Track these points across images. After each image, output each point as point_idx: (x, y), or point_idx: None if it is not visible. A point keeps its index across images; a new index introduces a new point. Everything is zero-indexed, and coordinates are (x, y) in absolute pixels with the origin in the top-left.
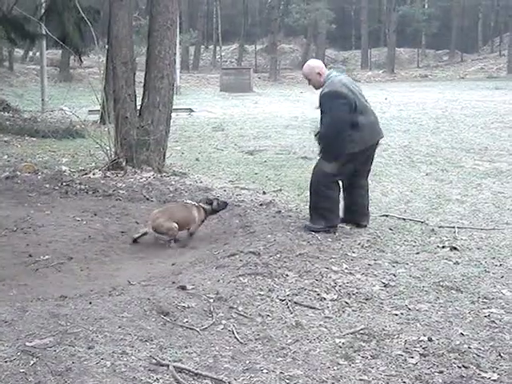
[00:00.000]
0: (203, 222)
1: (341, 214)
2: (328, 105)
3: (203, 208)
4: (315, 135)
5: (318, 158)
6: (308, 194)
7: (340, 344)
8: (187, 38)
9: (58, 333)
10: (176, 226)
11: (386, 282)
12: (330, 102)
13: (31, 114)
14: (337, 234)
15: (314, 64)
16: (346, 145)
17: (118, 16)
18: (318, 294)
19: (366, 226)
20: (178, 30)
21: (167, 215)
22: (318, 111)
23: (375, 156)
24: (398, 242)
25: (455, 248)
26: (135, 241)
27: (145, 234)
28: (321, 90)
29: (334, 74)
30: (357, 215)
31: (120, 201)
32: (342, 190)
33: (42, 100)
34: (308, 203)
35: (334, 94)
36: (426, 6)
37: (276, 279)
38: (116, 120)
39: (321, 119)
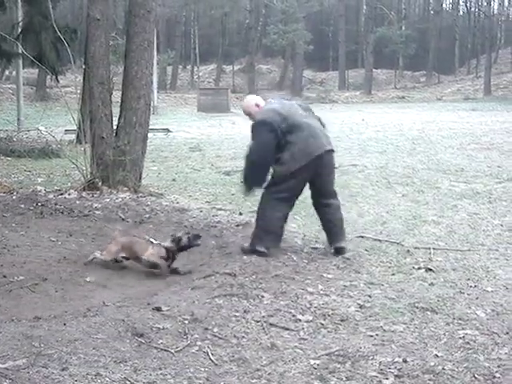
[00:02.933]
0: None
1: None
2: (254, 133)
3: (165, 247)
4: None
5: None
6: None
7: (315, 365)
8: (165, 58)
9: (31, 354)
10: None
11: (362, 304)
12: (255, 131)
13: (7, 134)
14: (312, 255)
15: (251, 98)
16: (266, 174)
17: (95, 36)
18: (294, 316)
19: (343, 249)
20: (155, 50)
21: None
22: None
23: (352, 178)
24: (374, 263)
25: (430, 269)
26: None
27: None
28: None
29: (270, 103)
30: (330, 235)
31: (96, 221)
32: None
33: (18, 119)
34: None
35: (259, 123)
36: (403, 28)
37: (251, 300)
38: (92, 140)
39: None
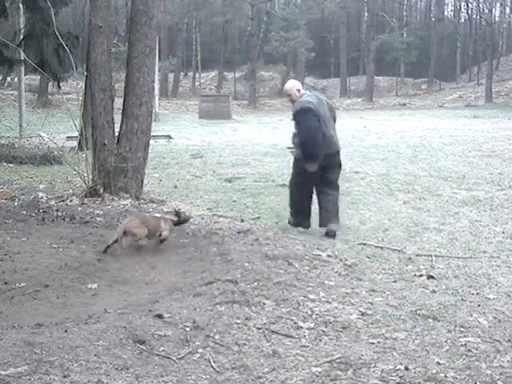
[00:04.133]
0: (171, 231)
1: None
2: (299, 119)
3: (170, 219)
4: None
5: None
6: (286, 220)
7: (317, 373)
8: (166, 64)
9: (33, 361)
10: (146, 231)
11: (363, 311)
12: (301, 117)
13: (9, 140)
14: (314, 262)
15: (294, 83)
16: (321, 147)
17: (96, 42)
18: (295, 323)
19: (334, 233)
20: (157, 57)
21: (140, 221)
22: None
23: (354, 185)
24: (376, 271)
25: (432, 276)
26: (106, 251)
27: (115, 241)
28: (294, 105)
29: (307, 93)
30: (324, 218)
31: (97, 228)
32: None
33: (20, 126)
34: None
35: (302, 109)
36: (405, 35)
37: (253, 307)
38: (94, 147)
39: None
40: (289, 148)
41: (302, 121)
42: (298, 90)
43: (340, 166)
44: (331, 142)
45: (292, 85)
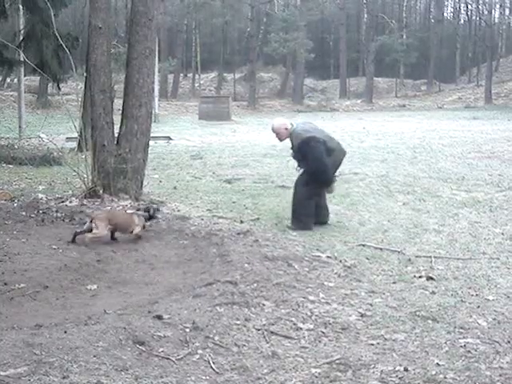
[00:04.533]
0: (144, 227)
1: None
2: (310, 148)
3: (142, 215)
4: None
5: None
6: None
7: (316, 374)
8: (166, 66)
9: (32, 362)
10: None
11: (363, 312)
12: (312, 146)
13: (8, 141)
14: (314, 263)
15: (281, 122)
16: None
17: (96, 44)
18: (295, 324)
19: (327, 221)
20: (156, 58)
21: (106, 215)
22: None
23: (353, 186)
24: (375, 272)
25: (432, 278)
26: (74, 240)
27: (84, 230)
28: (290, 139)
29: (296, 125)
30: (320, 215)
31: None
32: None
33: (20, 127)
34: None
35: (312, 139)
36: (405, 37)
37: (252, 309)
38: (93, 148)
39: (302, 161)
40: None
41: (308, 151)
42: (286, 129)
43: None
44: (340, 151)
45: (279, 124)
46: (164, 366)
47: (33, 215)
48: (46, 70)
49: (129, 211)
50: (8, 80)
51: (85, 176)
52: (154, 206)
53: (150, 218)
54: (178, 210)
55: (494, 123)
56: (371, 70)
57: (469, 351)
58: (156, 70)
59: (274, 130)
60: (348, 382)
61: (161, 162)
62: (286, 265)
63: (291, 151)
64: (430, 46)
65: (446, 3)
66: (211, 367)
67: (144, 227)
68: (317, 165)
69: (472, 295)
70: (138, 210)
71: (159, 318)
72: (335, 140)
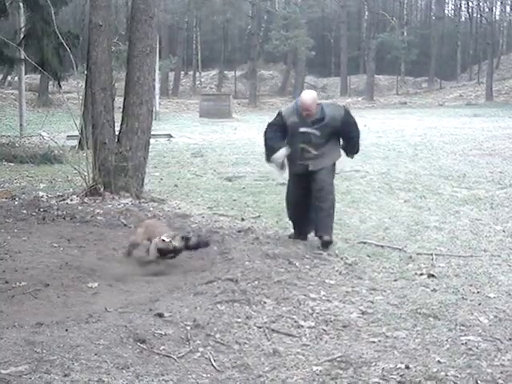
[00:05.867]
0: (173, 252)
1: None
2: (351, 119)
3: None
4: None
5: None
6: (287, 219)
7: (317, 372)
8: (167, 63)
9: (33, 360)
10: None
11: (364, 310)
12: (350, 116)
13: (9, 139)
14: (315, 260)
15: (314, 95)
16: None
17: (97, 41)
18: (296, 322)
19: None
20: (157, 55)
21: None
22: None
23: (354, 184)
24: (376, 269)
25: (433, 275)
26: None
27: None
28: (324, 114)
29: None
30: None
31: (97, 227)
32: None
33: (21, 125)
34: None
35: (350, 112)
36: (405, 34)
37: (254, 306)
38: (94, 146)
39: (348, 134)
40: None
41: (352, 121)
42: (318, 104)
43: None
44: None
45: (312, 98)
46: (165, 364)
47: (34, 213)
48: (47, 68)
49: (172, 231)
50: (9, 78)
51: (86, 174)
52: (203, 237)
53: (188, 247)
54: (179, 208)
55: (495, 120)
56: (372, 68)
57: (470, 349)
58: (157, 67)
59: (306, 108)
60: (349, 380)
61: (162, 159)
62: (286, 262)
63: (318, 134)
64: (431, 43)
65: (446, 0)
66: (212, 365)
67: (173, 252)
68: (359, 135)
69: (473, 292)
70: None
71: (160, 315)
72: None
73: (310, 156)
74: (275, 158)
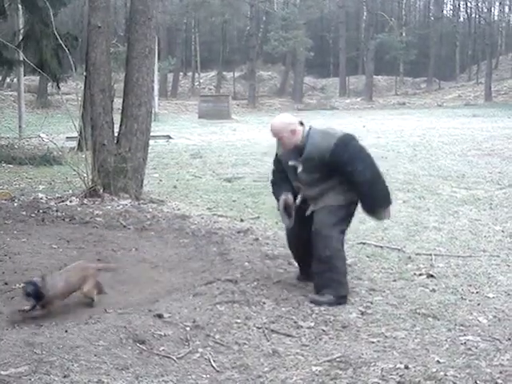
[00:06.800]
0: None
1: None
2: (352, 150)
3: None
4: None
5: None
6: None
7: (317, 372)
8: (166, 64)
9: (33, 361)
10: None
11: (363, 310)
12: (353, 147)
13: (8, 141)
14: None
15: (287, 119)
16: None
17: (95, 43)
18: (295, 322)
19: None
20: (156, 57)
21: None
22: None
23: None
24: (375, 270)
25: (432, 275)
26: None
27: None
28: (305, 143)
29: (310, 127)
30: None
31: (97, 228)
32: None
33: (20, 127)
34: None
35: (349, 137)
36: (404, 34)
37: (253, 307)
38: (93, 147)
39: (347, 176)
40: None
41: (351, 157)
42: (293, 131)
43: None
44: None
45: (281, 123)
46: (164, 365)
47: (33, 215)
48: (46, 70)
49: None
50: (8, 80)
51: (85, 175)
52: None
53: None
54: (178, 209)
55: (494, 121)
56: (371, 68)
57: (469, 349)
58: (156, 68)
59: (274, 133)
60: (349, 380)
61: (161, 160)
62: (286, 263)
63: (301, 169)
64: (430, 43)
65: (445, 1)
66: (212, 365)
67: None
68: (373, 175)
69: (472, 293)
70: None
71: (160, 316)
72: None
73: (307, 196)
74: (279, 209)
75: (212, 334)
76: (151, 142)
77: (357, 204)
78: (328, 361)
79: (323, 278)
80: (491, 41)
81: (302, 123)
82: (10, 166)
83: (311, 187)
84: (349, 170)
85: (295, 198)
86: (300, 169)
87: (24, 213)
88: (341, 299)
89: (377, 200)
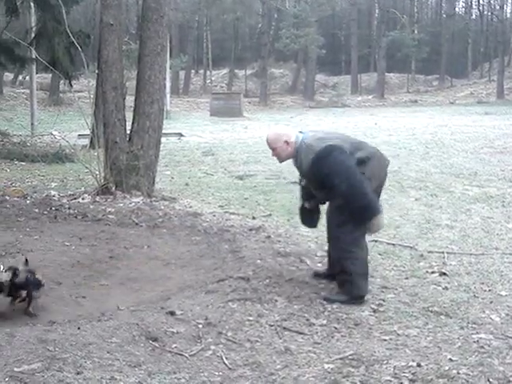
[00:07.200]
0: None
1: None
2: (328, 166)
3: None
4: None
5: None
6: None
7: (329, 370)
8: (177, 62)
9: (46, 358)
10: None
11: (375, 308)
12: (327, 162)
13: (21, 138)
14: (326, 259)
15: (280, 131)
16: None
17: (108, 40)
18: (307, 320)
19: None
20: (168, 54)
21: None
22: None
23: None
24: (388, 268)
25: (444, 273)
26: None
27: None
28: (297, 159)
29: (304, 134)
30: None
31: (109, 226)
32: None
33: (32, 124)
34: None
35: (325, 151)
36: (416, 32)
37: (265, 304)
38: (106, 145)
39: (320, 189)
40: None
41: (330, 170)
42: (287, 142)
43: None
44: (378, 162)
45: (275, 134)
46: (177, 362)
47: (45, 212)
48: (58, 68)
49: None
50: (20, 77)
51: (97, 173)
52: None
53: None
54: (190, 207)
55: (507, 118)
56: (383, 66)
57: (482, 346)
58: (167, 66)
59: (269, 145)
60: (361, 378)
61: (172, 158)
62: (298, 261)
63: (300, 178)
64: (442, 41)
65: None
66: (224, 363)
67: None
68: (349, 188)
69: (485, 290)
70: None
71: (172, 314)
72: (368, 145)
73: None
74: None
75: (224, 331)
76: (163, 139)
77: None
78: (340, 358)
79: (338, 278)
80: (503, 38)
81: (297, 135)
82: (23, 163)
83: (318, 193)
84: (328, 185)
85: None
86: (303, 184)
87: (36, 210)
88: (354, 300)
89: (355, 214)
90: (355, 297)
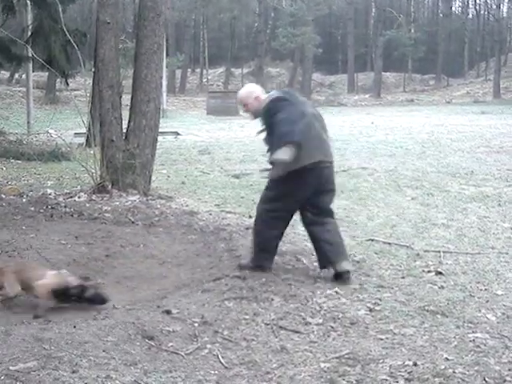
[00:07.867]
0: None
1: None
2: (272, 113)
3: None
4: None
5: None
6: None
7: (325, 368)
8: (174, 61)
9: (41, 357)
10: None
11: (371, 307)
12: (274, 108)
13: (17, 137)
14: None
15: (251, 88)
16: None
17: (104, 39)
18: (303, 319)
19: (348, 272)
20: (164, 53)
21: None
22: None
23: (362, 181)
24: (384, 267)
25: (440, 272)
26: None
27: None
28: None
29: (271, 93)
30: (328, 256)
31: (105, 224)
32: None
33: (28, 122)
34: None
35: (275, 98)
36: (413, 31)
37: (261, 303)
38: (102, 143)
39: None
40: (262, 171)
41: (276, 112)
42: (257, 98)
43: (334, 187)
44: (320, 147)
45: (246, 92)
46: (173, 361)
47: (41, 210)
48: (54, 66)
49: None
50: (16, 76)
51: (93, 171)
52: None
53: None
54: (187, 205)
55: (503, 118)
56: (379, 65)
57: (478, 346)
58: (164, 65)
59: (240, 101)
60: (357, 377)
61: (169, 157)
62: (294, 259)
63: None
64: (438, 40)
65: None
66: (220, 362)
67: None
68: (283, 127)
69: (481, 290)
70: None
71: (168, 312)
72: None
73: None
74: None
75: (220, 330)
76: (159, 138)
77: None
78: (336, 357)
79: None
80: (500, 37)
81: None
82: (19, 161)
83: (269, 139)
84: (272, 122)
85: None
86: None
87: (32, 208)
88: (253, 268)
89: (276, 143)
90: (254, 266)
